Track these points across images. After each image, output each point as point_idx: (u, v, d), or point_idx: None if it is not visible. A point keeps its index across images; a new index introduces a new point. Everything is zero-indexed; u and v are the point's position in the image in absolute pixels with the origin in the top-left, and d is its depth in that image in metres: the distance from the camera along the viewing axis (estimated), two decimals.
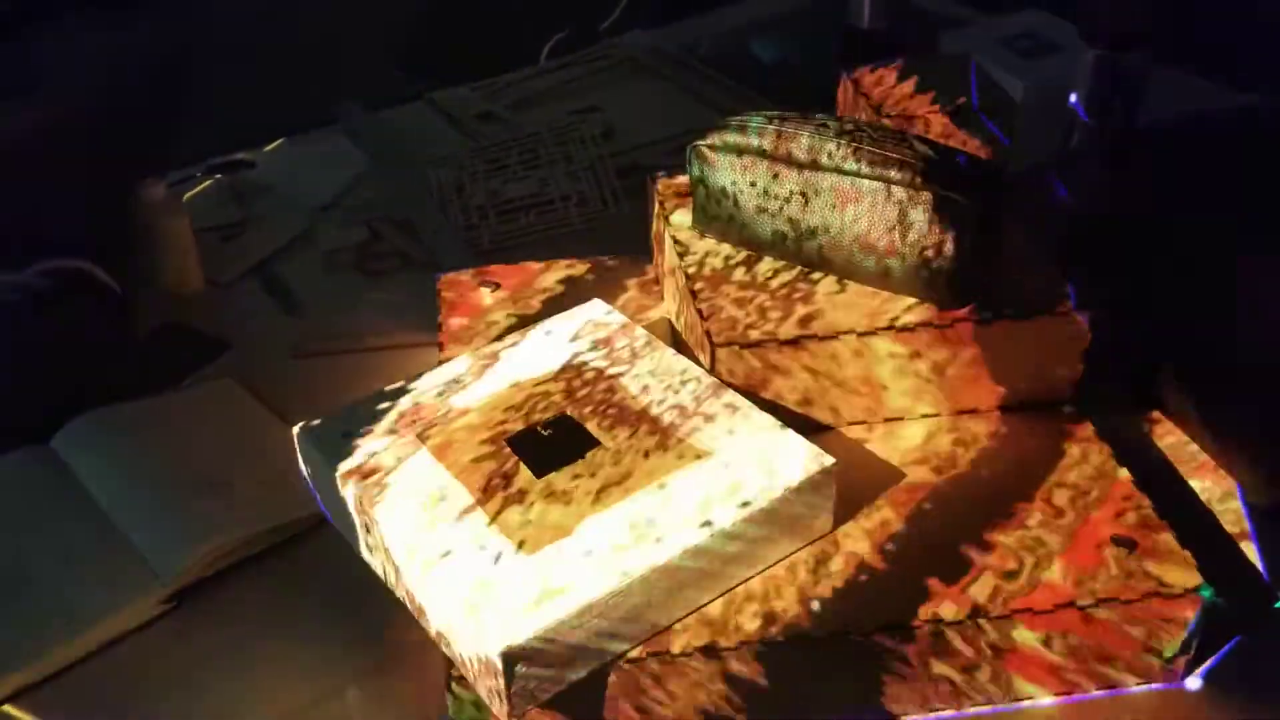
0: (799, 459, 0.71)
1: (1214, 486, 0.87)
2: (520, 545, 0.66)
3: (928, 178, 0.79)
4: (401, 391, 0.79)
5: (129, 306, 0.96)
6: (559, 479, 0.71)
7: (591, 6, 1.86)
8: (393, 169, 1.33)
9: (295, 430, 0.76)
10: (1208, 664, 0.75)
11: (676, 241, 0.90)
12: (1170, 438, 0.92)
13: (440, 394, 0.79)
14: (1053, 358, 0.83)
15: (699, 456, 0.72)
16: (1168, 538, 0.73)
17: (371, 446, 0.74)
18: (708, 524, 0.67)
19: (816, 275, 0.85)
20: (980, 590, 0.70)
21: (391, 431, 0.75)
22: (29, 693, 0.75)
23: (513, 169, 1.30)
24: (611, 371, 0.80)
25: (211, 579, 0.82)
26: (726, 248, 0.89)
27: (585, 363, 0.81)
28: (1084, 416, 0.84)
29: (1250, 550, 0.83)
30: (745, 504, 0.68)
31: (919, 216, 0.79)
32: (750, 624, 0.68)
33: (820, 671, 0.69)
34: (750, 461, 0.71)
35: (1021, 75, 1.40)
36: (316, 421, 0.76)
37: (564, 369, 0.81)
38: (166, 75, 1.17)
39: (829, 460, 0.71)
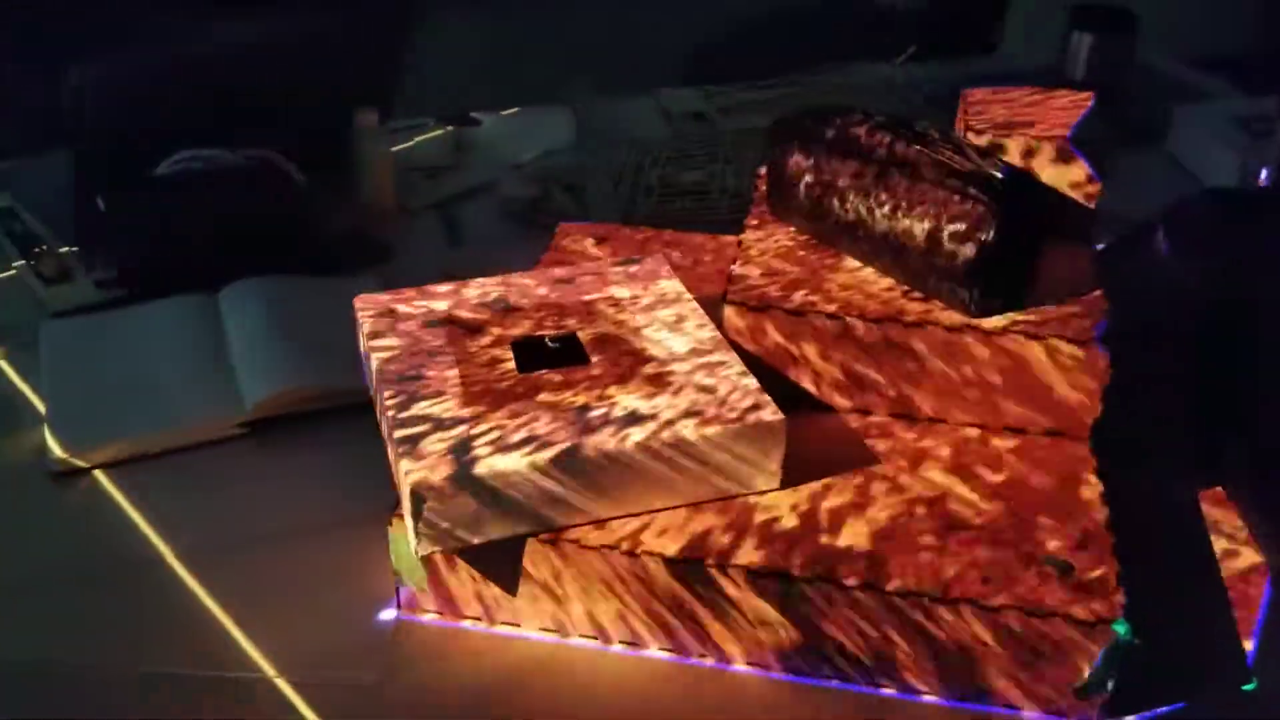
0: (746, 407, 0.76)
1: (1245, 562, 0.83)
2: (476, 416, 0.76)
3: (958, 180, 0.81)
4: (456, 291, 0.91)
5: (307, 199, 1.14)
6: (538, 380, 0.80)
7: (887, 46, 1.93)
8: (591, 144, 1.46)
9: (355, 300, 0.89)
10: (1135, 717, 0.72)
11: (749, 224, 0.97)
12: (1218, 509, 0.88)
13: (488, 297, 0.90)
14: (1066, 386, 0.82)
15: (661, 386, 0.78)
16: (1109, 572, 0.72)
17: (403, 323, 0.86)
18: (629, 439, 0.73)
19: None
20: (881, 575, 0.72)
21: (426, 315, 0.87)
22: (120, 465, 0.93)
23: (690, 160, 1.39)
24: (634, 309, 0.88)
25: (289, 417, 0.97)
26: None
27: (615, 297, 0.89)
28: (1092, 453, 0.82)
29: (1249, 631, 0.79)
30: (674, 431, 0.74)
31: (943, 218, 0.81)
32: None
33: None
34: (703, 401, 0.77)
35: (1243, 154, 1.34)
36: (372, 294, 0.89)
37: (598, 298, 0.89)
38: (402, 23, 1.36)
39: (775, 415, 0.76)
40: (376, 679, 0.75)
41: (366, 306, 0.88)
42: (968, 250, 0.80)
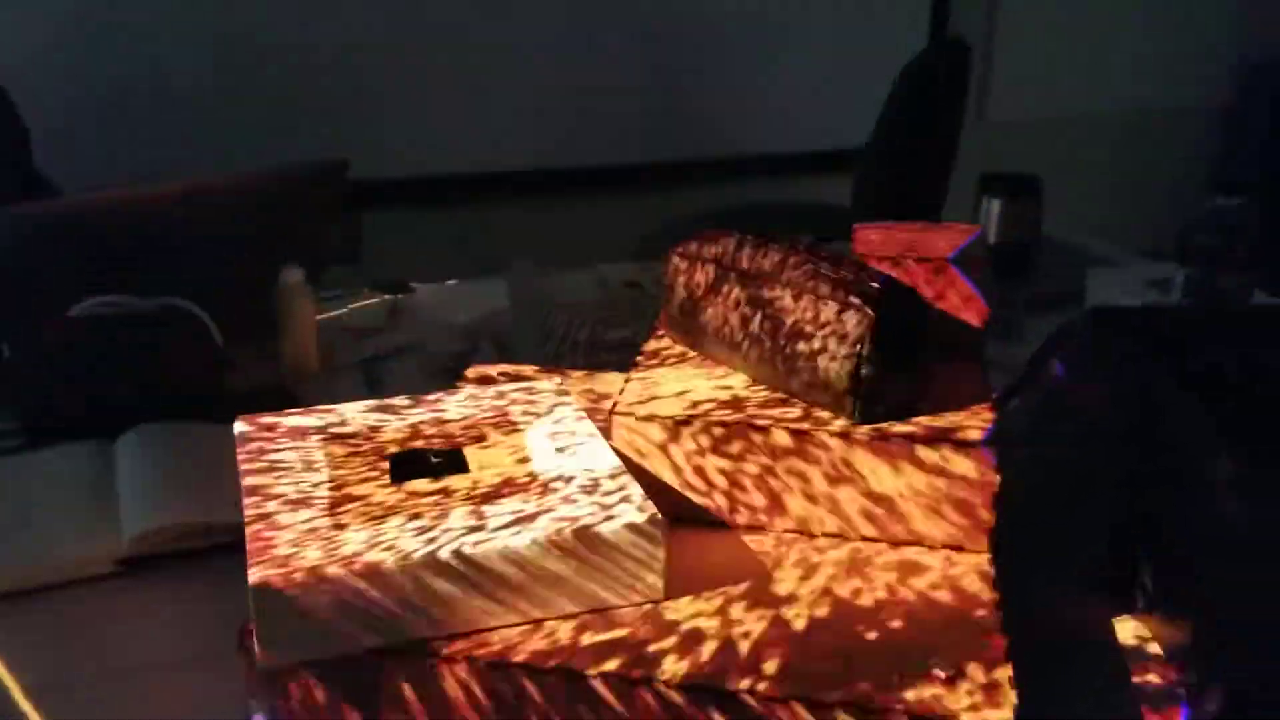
0: (626, 510, 0.73)
1: (1159, 681, 0.78)
2: (336, 521, 0.72)
3: (837, 290, 0.81)
4: (342, 411, 0.89)
5: (223, 350, 1.13)
6: (411, 489, 0.77)
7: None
8: (525, 309, 1.47)
9: (236, 425, 0.87)
10: None
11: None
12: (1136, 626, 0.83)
13: (373, 416, 0.87)
14: (954, 496, 0.79)
15: (542, 493, 0.75)
16: (1001, 676, 0.67)
17: (280, 439, 0.83)
18: (501, 541, 0.70)
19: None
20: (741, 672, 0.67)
21: (316, 435, 0.85)
22: None
23: (618, 320, 1.40)
24: (526, 427, 0.85)
25: (169, 555, 0.93)
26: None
27: (509, 416, 0.87)
28: (990, 564, 0.78)
29: None
30: (549, 533, 0.70)
31: (823, 327, 0.81)
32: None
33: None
34: (583, 506, 0.74)
35: None
36: (253, 415, 0.87)
37: (489, 417, 0.87)
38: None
39: (652, 513, 0.72)
40: None
41: (245, 424, 0.86)
42: (848, 358, 0.79)
